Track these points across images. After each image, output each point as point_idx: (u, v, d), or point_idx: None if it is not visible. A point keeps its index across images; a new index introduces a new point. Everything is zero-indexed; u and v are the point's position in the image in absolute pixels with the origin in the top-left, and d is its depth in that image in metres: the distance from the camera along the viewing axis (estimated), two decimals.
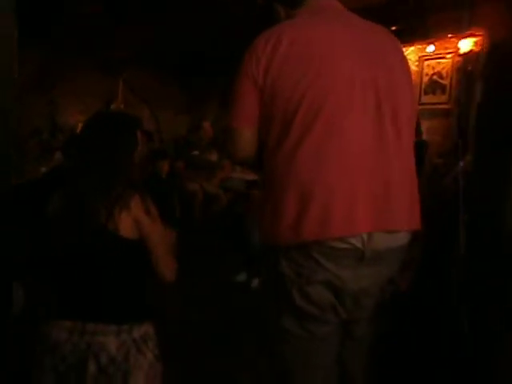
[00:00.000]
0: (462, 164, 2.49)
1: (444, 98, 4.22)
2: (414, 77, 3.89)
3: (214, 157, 4.73)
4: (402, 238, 1.28)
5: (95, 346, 1.39)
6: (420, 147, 3.44)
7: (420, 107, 4.21)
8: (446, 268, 2.16)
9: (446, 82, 4.20)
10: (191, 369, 2.24)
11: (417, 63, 4.39)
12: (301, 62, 1.22)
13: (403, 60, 1.39)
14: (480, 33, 3.79)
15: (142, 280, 1.51)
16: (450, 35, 4.06)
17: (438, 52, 4.22)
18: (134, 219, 1.43)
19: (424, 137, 4.01)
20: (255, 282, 3.57)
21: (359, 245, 1.20)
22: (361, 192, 1.19)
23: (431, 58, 4.27)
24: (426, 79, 4.31)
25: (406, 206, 1.26)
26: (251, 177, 4.38)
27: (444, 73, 4.22)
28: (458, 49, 4.00)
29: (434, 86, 4.27)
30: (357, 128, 1.21)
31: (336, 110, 1.20)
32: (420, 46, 4.34)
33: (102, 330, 1.40)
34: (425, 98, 4.35)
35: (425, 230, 1.38)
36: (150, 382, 1.47)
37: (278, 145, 1.25)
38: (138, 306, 1.50)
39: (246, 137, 1.34)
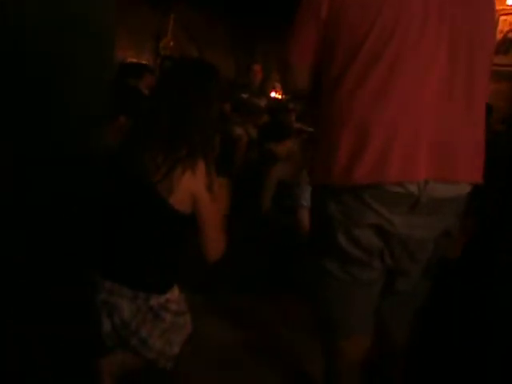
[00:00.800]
0: None
1: None
2: None
3: (262, 102, 4.62)
4: (461, 189, 1.22)
5: (109, 305, 1.36)
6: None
7: None
8: (497, 242, 2.07)
9: None
10: (232, 311, 2.25)
11: None
12: None
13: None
14: None
15: (172, 253, 1.44)
16: None
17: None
18: (191, 192, 1.31)
19: (488, 100, 3.75)
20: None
21: (415, 190, 1.13)
22: (423, 137, 1.12)
23: (509, 12, 3.88)
24: (499, 37, 3.94)
25: (470, 156, 1.18)
26: (298, 126, 4.27)
27: None
28: None
29: (508, 44, 3.91)
30: (426, 67, 1.12)
31: (405, 46, 1.11)
32: None
33: (118, 291, 1.36)
34: (495, 59, 4.02)
35: (480, 200, 1.31)
36: (173, 336, 1.45)
37: (338, 81, 1.17)
38: (160, 279, 1.44)
39: (302, 71, 1.31)
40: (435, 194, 1.16)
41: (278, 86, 6.08)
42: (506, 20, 3.92)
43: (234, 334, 2.09)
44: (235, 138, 4.16)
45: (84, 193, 0.82)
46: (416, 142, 1.12)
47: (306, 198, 2.64)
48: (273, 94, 5.73)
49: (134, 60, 5.18)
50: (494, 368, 1.63)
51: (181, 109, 1.32)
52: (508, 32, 3.93)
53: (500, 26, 3.97)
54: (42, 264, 0.79)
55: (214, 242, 1.40)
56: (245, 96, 4.57)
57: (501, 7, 3.95)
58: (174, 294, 1.46)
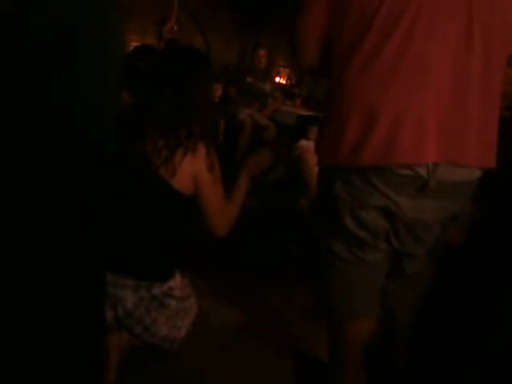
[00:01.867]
0: None
1: None
2: None
3: (267, 86, 4.59)
4: (471, 173, 1.19)
5: (112, 296, 1.36)
6: None
7: None
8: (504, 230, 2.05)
9: None
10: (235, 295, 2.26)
11: None
12: None
13: None
14: None
15: (175, 239, 1.45)
16: None
17: None
18: (193, 173, 1.34)
19: None
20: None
21: (424, 173, 1.12)
22: (433, 119, 1.09)
23: None
24: None
25: (481, 141, 1.15)
26: (302, 112, 4.24)
27: None
28: None
29: None
30: (438, 48, 1.09)
31: (416, 25, 1.08)
32: None
33: (120, 283, 1.37)
34: None
35: (487, 186, 1.28)
36: (178, 321, 1.46)
37: (347, 61, 1.15)
38: (163, 266, 1.45)
39: (311, 44, 1.29)
40: (444, 177, 1.15)
41: (282, 71, 6.04)
42: None
43: (234, 315, 2.10)
44: (240, 122, 4.14)
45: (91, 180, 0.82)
46: (425, 125, 1.10)
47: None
48: (277, 79, 5.69)
49: (138, 44, 5.14)
50: (498, 356, 1.63)
51: (176, 95, 1.35)
52: None
53: None
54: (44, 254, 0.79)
55: (219, 219, 1.43)
56: (250, 80, 4.53)
57: None
58: (177, 280, 1.47)
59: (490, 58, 1.13)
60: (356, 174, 1.18)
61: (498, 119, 1.21)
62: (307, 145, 3.36)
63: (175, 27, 5.84)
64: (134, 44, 4.97)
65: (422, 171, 1.12)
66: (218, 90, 4.18)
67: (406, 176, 1.13)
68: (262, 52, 4.68)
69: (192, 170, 1.34)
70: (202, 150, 1.34)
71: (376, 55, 1.11)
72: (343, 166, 1.20)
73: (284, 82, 5.93)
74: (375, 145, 1.11)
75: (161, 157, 1.31)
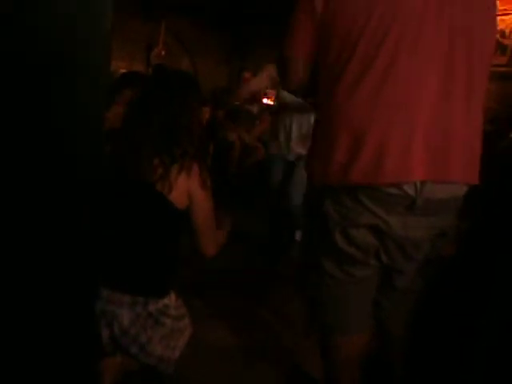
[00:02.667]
0: None
1: (504, 59, 3.91)
2: None
3: (254, 109, 4.65)
4: (457, 190, 1.23)
5: (108, 314, 1.38)
6: None
7: None
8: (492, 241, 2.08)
9: (507, 41, 3.89)
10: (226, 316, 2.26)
11: None
12: None
13: None
14: None
15: (171, 253, 1.48)
16: None
17: (502, 7, 3.85)
18: (188, 190, 1.39)
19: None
20: (298, 235, 3.49)
21: (411, 192, 1.15)
22: (418, 138, 1.13)
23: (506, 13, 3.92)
24: None
25: (466, 157, 1.19)
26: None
27: (507, 31, 3.89)
28: None
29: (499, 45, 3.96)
30: (423, 68, 1.13)
31: (401, 46, 1.12)
32: None
33: (116, 299, 1.38)
34: None
35: (473, 199, 1.31)
36: (173, 342, 1.46)
37: (335, 82, 1.19)
38: (159, 281, 1.46)
39: (299, 65, 1.32)
40: (432, 195, 1.18)
41: (269, 92, 6.12)
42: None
43: (231, 335, 2.10)
44: (228, 144, 4.19)
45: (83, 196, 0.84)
46: (411, 144, 1.13)
47: None
48: (265, 101, 5.76)
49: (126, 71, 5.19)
50: (491, 364, 1.64)
51: (166, 117, 1.39)
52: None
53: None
54: (40, 268, 0.81)
55: (209, 239, 1.47)
56: (237, 103, 4.60)
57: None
58: (172, 299, 1.48)
59: (472, 78, 1.17)
60: (346, 193, 1.21)
61: (482, 136, 1.24)
62: None
63: (163, 52, 5.91)
64: (121, 71, 5.03)
65: (410, 190, 1.15)
66: (206, 113, 4.23)
67: (394, 195, 1.16)
68: (247, 75, 4.76)
69: (186, 187, 1.38)
70: (195, 168, 1.39)
71: (360, 81, 1.14)
72: (334, 186, 1.23)
73: (272, 103, 5.99)
74: (363, 165, 1.14)
75: (156, 173, 1.34)
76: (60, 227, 0.80)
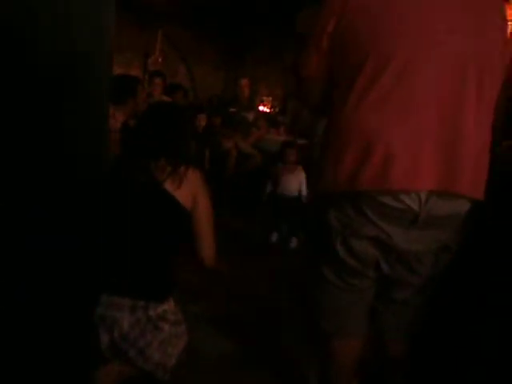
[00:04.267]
0: None
1: None
2: None
3: (250, 116, 4.68)
4: (461, 205, 1.23)
5: (108, 319, 1.38)
6: None
7: None
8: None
9: None
10: (225, 327, 2.26)
11: None
12: (375, 9, 1.18)
13: (499, 11, 1.24)
14: None
15: (172, 256, 1.50)
16: None
17: None
18: (193, 191, 1.44)
19: None
20: (294, 242, 3.58)
21: (415, 206, 1.16)
22: (425, 151, 1.14)
23: None
24: None
25: (472, 172, 1.19)
26: (286, 138, 4.32)
27: None
28: None
29: None
30: (430, 80, 1.15)
31: (410, 57, 1.14)
32: None
33: (116, 304, 1.39)
34: None
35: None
36: (170, 348, 1.47)
37: (344, 95, 1.22)
38: (160, 285, 1.48)
39: (314, 85, 1.37)
40: (435, 210, 1.18)
41: (266, 99, 6.16)
42: None
43: (228, 343, 2.10)
44: (225, 151, 4.21)
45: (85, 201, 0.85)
46: (416, 156, 1.14)
47: None
48: (261, 108, 5.80)
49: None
50: (490, 372, 1.64)
51: (163, 143, 1.49)
52: None
53: None
54: (40, 276, 0.82)
55: (210, 244, 1.50)
56: (233, 110, 4.63)
57: None
58: (171, 304, 1.49)
59: (482, 90, 1.18)
60: (350, 203, 1.22)
61: (490, 150, 1.24)
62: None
63: (159, 59, 5.95)
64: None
65: (414, 204, 1.16)
66: (202, 120, 4.26)
67: (398, 209, 1.17)
68: (244, 82, 4.79)
69: (193, 185, 1.44)
70: (198, 173, 1.47)
71: (369, 90, 1.16)
72: (339, 194, 1.24)
73: (268, 111, 6.04)
74: (371, 172, 1.15)
75: (165, 172, 1.41)
76: (62, 232, 0.82)
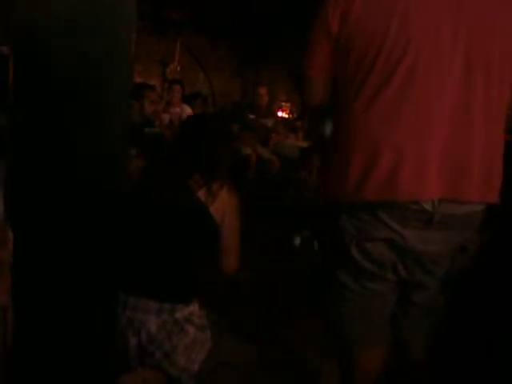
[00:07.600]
0: None
1: None
2: None
3: (269, 122, 4.68)
4: (475, 206, 1.21)
5: (135, 322, 1.40)
6: None
7: None
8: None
9: None
10: (240, 330, 2.25)
11: None
12: (381, 8, 1.15)
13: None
14: None
15: (201, 261, 1.52)
16: None
17: None
18: (224, 206, 1.47)
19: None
20: (297, 240, 3.59)
21: (429, 207, 1.14)
22: (434, 157, 1.12)
23: None
24: None
25: (484, 176, 1.17)
26: (305, 144, 4.31)
27: None
28: None
29: None
30: (438, 88, 1.13)
31: (417, 63, 1.12)
32: None
33: (143, 306, 1.40)
34: None
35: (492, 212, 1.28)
36: (193, 354, 1.48)
37: (351, 102, 1.20)
38: (186, 288, 1.50)
39: (319, 86, 1.35)
40: (449, 211, 1.17)
41: (284, 105, 6.16)
42: None
43: (247, 352, 2.09)
44: (244, 157, 4.22)
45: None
46: (424, 163, 1.13)
47: None
48: (280, 114, 5.80)
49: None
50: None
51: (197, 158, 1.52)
52: None
53: None
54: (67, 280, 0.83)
55: (235, 257, 1.53)
56: (252, 116, 4.64)
57: None
58: (196, 307, 1.51)
59: (491, 89, 1.15)
60: (362, 208, 1.21)
61: (503, 150, 1.21)
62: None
63: (178, 68, 6.00)
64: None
65: (427, 205, 1.15)
66: None
67: (412, 209, 1.16)
68: (262, 90, 4.80)
69: (225, 202, 1.47)
70: (231, 189, 1.50)
71: (376, 98, 1.15)
72: (349, 202, 1.23)
73: (286, 116, 6.03)
74: (377, 182, 1.15)
75: (199, 185, 1.46)
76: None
